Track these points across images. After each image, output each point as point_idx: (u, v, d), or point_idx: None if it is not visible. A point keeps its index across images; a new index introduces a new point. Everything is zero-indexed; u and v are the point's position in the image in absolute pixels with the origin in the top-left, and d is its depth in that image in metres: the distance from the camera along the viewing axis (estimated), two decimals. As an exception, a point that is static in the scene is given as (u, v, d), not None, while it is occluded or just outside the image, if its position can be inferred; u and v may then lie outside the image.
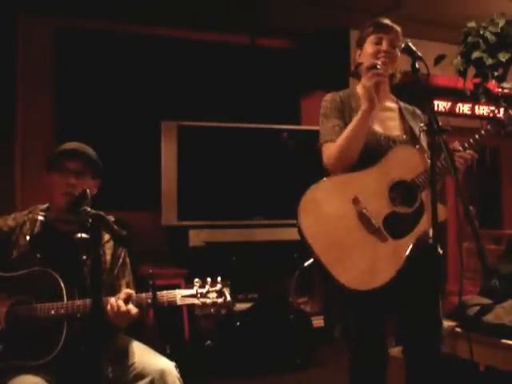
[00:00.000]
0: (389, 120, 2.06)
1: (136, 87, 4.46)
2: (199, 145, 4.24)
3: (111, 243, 2.04)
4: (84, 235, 1.65)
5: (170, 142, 4.13)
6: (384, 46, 1.99)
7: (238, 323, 3.87)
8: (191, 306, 1.82)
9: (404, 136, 2.04)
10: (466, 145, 1.94)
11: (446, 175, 1.94)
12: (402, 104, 2.13)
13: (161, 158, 4.10)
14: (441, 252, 1.97)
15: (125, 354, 1.94)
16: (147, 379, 1.83)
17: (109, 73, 4.42)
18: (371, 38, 2.03)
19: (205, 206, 4.20)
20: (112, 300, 1.79)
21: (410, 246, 1.84)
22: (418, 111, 2.16)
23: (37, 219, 1.98)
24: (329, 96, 2.15)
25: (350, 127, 1.95)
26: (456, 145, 1.94)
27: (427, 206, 1.81)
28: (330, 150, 2.03)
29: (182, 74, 4.59)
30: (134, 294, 1.82)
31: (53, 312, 1.78)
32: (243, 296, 4.17)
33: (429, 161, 1.75)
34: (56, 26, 4.34)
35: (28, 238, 1.94)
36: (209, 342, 3.87)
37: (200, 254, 4.08)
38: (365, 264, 1.84)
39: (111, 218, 1.68)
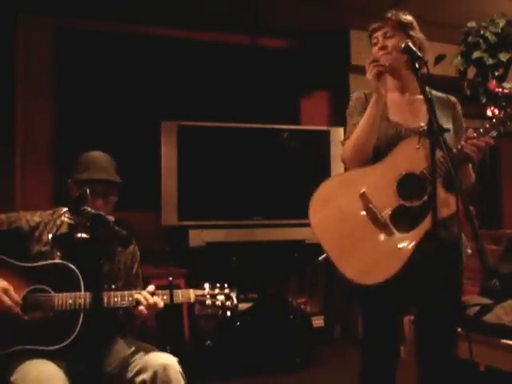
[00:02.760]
0: (414, 112, 2.02)
1: (136, 87, 4.46)
2: (199, 145, 4.24)
3: (126, 252, 2.10)
4: (84, 235, 1.66)
5: (170, 142, 4.13)
6: (379, 43, 2.01)
7: (238, 323, 3.87)
8: (201, 303, 1.93)
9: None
10: (481, 131, 1.87)
11: (460, 166, 1.89)
12: (434, 94, 2.08)
13: (161, 158, 4.10)
14: (469, 252, 1.97)
15: (128, 349, 1.98)
16: (150, 373, 1.85)
17: (109, 73, 4.42)
18: (372, 40, 2.06)
19: (205, 206, 4.21)
20: (141, 293, 1.89)
21: (417, 240, 1.82)
22: (453, 99, 2.12)
23: (63, 220, 2.04)
24: (355, 94, 2.14)
25: (361, 122, 1.95)
26: (469, 132, 1.88)
27: (437, 198, 1.79)
28: (345, 147, 2.03)
29: (182, 74, 4.59)
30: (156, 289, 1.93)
31: (70, 301, 1.83)
32: (243, 296, 4.17)
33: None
34: (56, 26, 4.34)
35: (51, 236, 1.99)
36: (209, 342, 3.87)
37: (200, 254, 4.08)
38: (370, 258, 1.85)
39: (111, 218, 1.69)
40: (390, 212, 1.87)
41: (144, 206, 4.25)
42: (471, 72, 3.91)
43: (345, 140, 2.06)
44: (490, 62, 3.74)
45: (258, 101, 4.72)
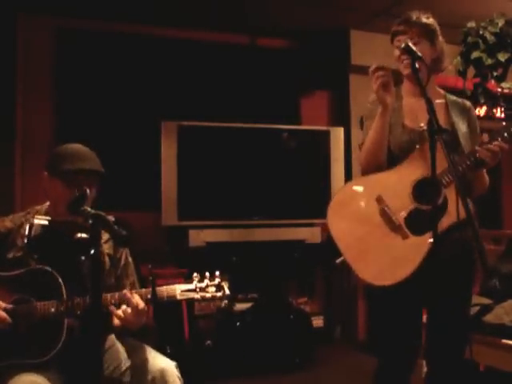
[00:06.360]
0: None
1: (136, 87, 4.46)
2: (199, 145, 4.24)
3: (110, 243, 2.03)
4: (84, 235, 1.65)
5: (170, 142, 4.13)
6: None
7: (238, 323, 3.87)
8: (191, 300, 1.84)
9: None
10: (495, 136, 1.88)
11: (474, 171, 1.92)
12: (450, 98, 2.11)
13: (161, 157, 4.10)
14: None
15: (126, 353, 1.94)
16: (148, 378, 1.83)
17: (109, 73, 4.42)
18: (394, 42, 2.05)
19: (205, 206, 4.20)
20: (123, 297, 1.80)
21: (430, 242, 1.83)
22: (468, 103, 2.14)
23: (33, 221, 1.97)
24: (371, 97, 2.12)
25: (370, 131, 1.97)
26: (484, 137, 1.90)
27: (451, 201, 1.84)
28: (360, 154, 2.07)
29: (182, 74, 4.59)
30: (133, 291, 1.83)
31: (53, 310, 1.79)
32: (243, 296, 4.17)
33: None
34: (56, 26, 4.34)
35: (26, 240, 1.94)
36: (209, 342, 3.88)
37: (200, 254, 4.08)
38: (385, 260, 1.88)
39: (111, 218, 1.68)
40: (405, 215, 1.90)
41: (144, 205, 4.25)
42: (471, 72, 3.91)
43: (362, 144, 2.09)
44: (488, 62, 3.74)
45: (258, 101, 4.72)
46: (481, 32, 3.79)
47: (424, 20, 2.03)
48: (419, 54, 1.79)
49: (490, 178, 2.05)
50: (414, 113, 2.03)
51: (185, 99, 4.55)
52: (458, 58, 3.90)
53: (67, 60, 4.35)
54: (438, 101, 2.07)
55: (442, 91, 2.13)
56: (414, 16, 2.03)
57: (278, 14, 4.41)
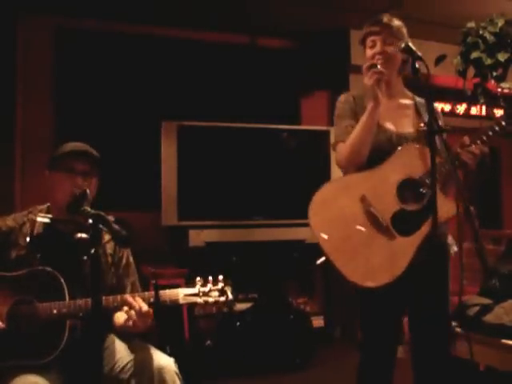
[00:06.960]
0: (402, 117, 2.05)
1: (136, 87, 4.46)
2: (199, 145, 4.24)
3: (112, 244, 2.03)
4: (84, 235, 1.65)
5: (170, 142, 4.13)
6: (377, 47, 2.01)
7: (238, 323, 3.87)
8: (193, 305, 1.81)
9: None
10: (475, 139, 1.91)
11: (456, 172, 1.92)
12: (418, 100, 2.12)
13: (161, 157, 4.10)
14: (455, 249, 2.00)
15: (124, 350, 1.94)
16: (146, 375, 1.83)
17: (109, 73, 4.42)
18: (367, 42, 2.06)
19: (205, 206, 4.21)
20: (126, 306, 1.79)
21: (418, 243, 1.84)
22: (433, 104, 2.16)
23: (36, 220, 1.97)
24: (342, 96, 2.14)
25: (357, 128, 1.96)
26: (465, 140, 1.91)
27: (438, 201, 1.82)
28: (341, 151, 2.04)
29: (182, 74, 4.60)
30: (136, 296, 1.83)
31: (55, 311, 1.78)
32: (243, 296, 4.17)
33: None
34: (56, 26, 4.35)
35: (28, 238, 1.93)
36: (209, 342, 3.88)
37: (200, 254, 4.08)
38: (372, 261, 1.86)
39: (111, 218, 1.68)
40: (390, 216, 1.88)
41: (144, 205, 4.25)
42: (470, 72, 3.91)
43: (337, 143, 2.07)
44: (488, 62, 3.74)
45: (258, 101, 4.73)
46: (480, 32, 3.79)
47: (395, 22, 2.05)
48: (419, 53, 1.80)
49: (489, 178, 2.07)
50: (386, 113, 2.02)
51: (185, 99, 4.55)
52: (458, 57, 3.90)
53: (67, 60, 4.35)
54: (406, 102, 2.10)
55: (409, 93, 2.14)
56: (385, 18, 2.05)
57: (278, 14, 4.42)
